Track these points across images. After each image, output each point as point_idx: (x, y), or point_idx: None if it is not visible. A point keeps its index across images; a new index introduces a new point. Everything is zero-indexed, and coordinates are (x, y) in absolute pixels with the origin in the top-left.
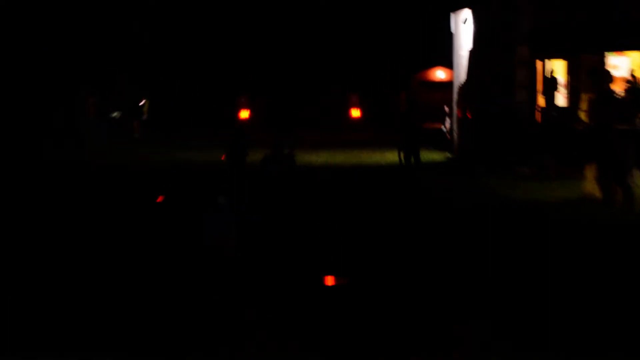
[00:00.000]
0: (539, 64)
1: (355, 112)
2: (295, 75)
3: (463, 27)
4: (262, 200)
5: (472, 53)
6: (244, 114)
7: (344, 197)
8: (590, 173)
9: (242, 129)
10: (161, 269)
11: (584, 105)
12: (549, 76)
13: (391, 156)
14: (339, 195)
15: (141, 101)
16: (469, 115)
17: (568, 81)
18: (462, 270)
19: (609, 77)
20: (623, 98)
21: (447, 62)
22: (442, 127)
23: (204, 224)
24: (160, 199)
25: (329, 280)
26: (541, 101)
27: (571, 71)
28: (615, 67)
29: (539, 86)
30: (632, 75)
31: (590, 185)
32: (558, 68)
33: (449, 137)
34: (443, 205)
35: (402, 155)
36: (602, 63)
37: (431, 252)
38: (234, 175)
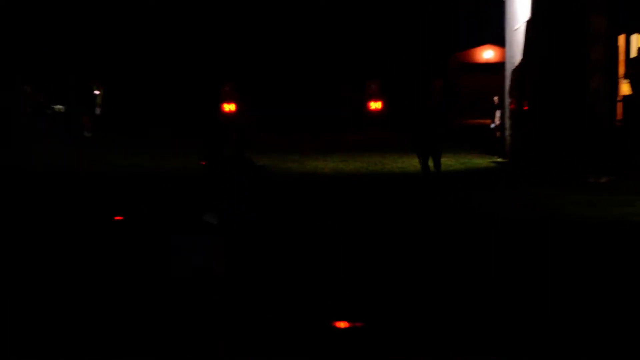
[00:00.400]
0: (620, 39)
1: (375, 104)
2: (298, 59)
3: None
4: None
5: (531, 25)
6: (229, 106)
7: (353, 220)
8: None
9: (225, 125)
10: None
11: None
12: (636, 55)
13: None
14: (347, 218)
15: (94, 90)
16: (525, 107)
17: None
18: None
19: None
20: None
21: (497, 38)
22: (491, 123)
23: (186, 248)
24: (119, 217)
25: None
26: (624, 88)
27: None
28: None
29: (621, 69)
30: None
31: None
32: None
33: (498, 135)
34: (481, 227)
35: (422, 160)
36: None
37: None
38: (215, 184)
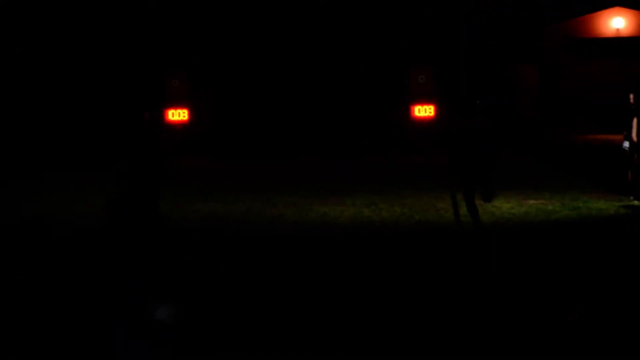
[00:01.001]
0: None
1: (423, 110)
2: (292, 38)
3: None
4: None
5: None
6: (179, 113)
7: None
8: None
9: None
10: None
11: None
12: None
13: (501, 205)
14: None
15: None
16: None
17: None
18: None
19: None
20: None
21: None
22: (623, 140)
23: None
24: None
25: None
26: None
27: None
28: None
29: None
30: None
31: None
32: None
33: (636, 160)
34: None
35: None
36: None
37: None
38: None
